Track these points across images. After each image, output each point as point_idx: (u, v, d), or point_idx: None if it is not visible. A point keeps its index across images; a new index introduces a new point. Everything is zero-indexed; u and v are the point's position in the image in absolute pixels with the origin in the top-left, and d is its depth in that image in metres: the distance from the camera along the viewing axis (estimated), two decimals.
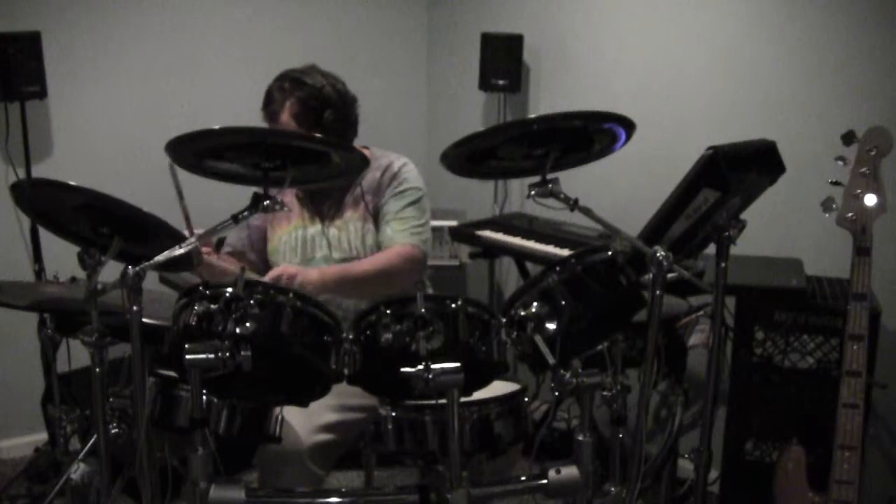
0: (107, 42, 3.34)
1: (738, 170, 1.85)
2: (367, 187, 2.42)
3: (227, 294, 1.63)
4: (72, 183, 1.72)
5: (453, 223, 3.50)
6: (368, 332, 1.70)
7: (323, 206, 2.47)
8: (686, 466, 2.66)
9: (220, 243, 2.32)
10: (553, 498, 1.85)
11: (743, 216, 1.99)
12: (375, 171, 2.44)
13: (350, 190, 2.45)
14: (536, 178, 1.75)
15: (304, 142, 1.81)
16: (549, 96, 3.67)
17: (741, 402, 2.61)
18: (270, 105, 2.39)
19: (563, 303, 1.72)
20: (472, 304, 1.71)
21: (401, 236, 2.37)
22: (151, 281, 1.80)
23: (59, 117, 3.28)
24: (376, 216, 2.43)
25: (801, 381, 2.52)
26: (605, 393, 1.82)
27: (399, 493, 1.81)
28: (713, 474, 2.69)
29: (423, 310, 1.63)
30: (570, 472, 1.78)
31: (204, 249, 2.18)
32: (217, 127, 1.63)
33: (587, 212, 1.74)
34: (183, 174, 1.82)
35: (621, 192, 3.23)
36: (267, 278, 2.13)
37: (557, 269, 1.75)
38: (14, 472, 3.13)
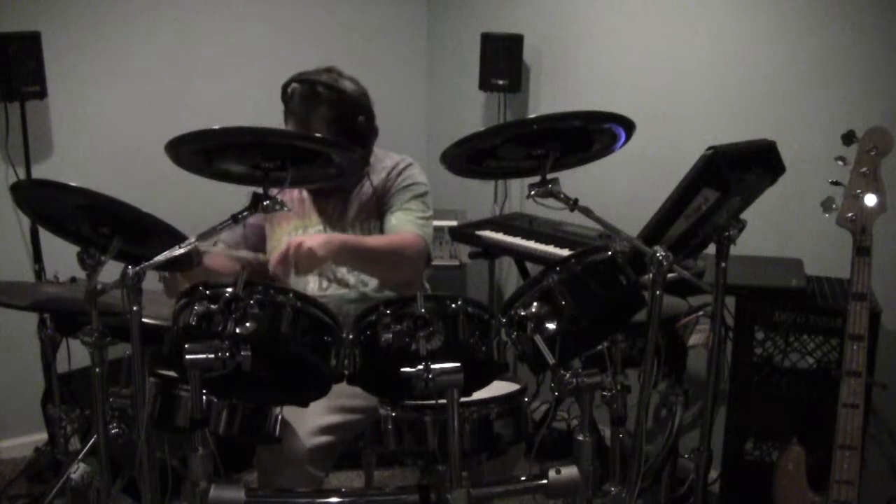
0: (107, 42, 3.33)
1: (738, 170, 1.85)
2: (376, 187, 2.41)
3: (227, 294, 1.63)
4: (72, 184, 1.72)
5: (453, 223, 3.49)
6: (368, 332, 1.70)
7: (326, 205, 2.46)
8: (686, 466, 2.66)
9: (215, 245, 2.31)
10: (553, 498, 1.85)
11: (743, 216, 1.99)
12: (381, 172, 2.43)
13: (355, 189, 2.44)
14: (536, 178, 1.75)
15: (305, 142, 1.81)
16: (549, 96, 3.67)
17: (741, 402, 2.61)
18: (300, 113, 2.29)
19: (563, 303, 1.72)
20: (472, 304, 1.72)
21: (407, 225, 2.34)
22: (151, 281, 1.80)
23: (59, 117, 3.28)
24: (382, 215, 2.42)
25: (801, 381, 2.52)
26: (605, 393, 1.82)
27: (399, 493, 1.82)
28: (713, 474, 2.69)
29: (423, 310, 1.63)
30: (570, 472, 1.78)
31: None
32: (217, 127, 1.63)
33: (587, 212, 1.74)
34: (183, 174, 1.81)
35: (621, 192, 3.23)
36: (273, 261, 2.09)
37: (557, 269, 1.75)
38: (14, 472, 3.12)
